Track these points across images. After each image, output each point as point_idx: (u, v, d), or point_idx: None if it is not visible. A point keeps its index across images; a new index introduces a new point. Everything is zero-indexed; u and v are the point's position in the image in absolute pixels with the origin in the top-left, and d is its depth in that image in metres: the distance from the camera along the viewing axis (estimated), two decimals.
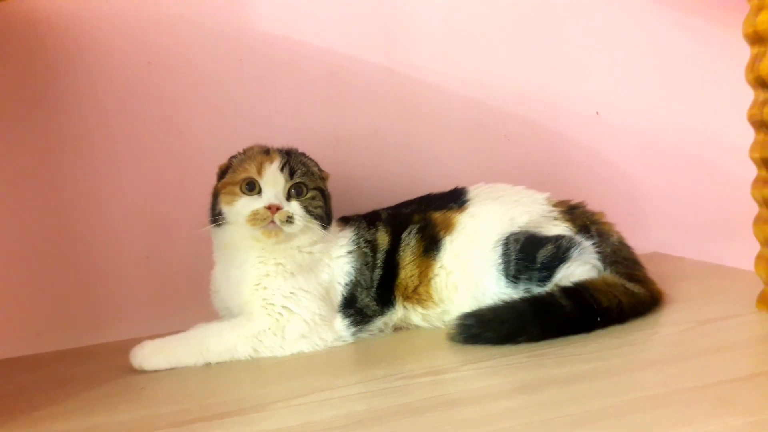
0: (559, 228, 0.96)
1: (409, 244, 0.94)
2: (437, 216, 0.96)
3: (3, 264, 1.02)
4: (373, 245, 0.94)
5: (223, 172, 0.92)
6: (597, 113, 1.29)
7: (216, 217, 0.90)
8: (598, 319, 0.84)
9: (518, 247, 0.91)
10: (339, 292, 0.91)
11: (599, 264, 0.93)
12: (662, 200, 1.33)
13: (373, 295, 0.92)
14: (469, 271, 0.92)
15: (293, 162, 0.90)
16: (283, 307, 0.87)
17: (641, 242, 1.13)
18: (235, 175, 0.89)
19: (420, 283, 0.93)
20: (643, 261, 0.99)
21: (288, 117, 1.13)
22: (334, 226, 0.94)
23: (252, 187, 0.87)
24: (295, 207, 0.87)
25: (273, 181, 0.87)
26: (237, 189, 0.87)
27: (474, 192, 1.00)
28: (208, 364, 0.85)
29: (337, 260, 0.92)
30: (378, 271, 0.93)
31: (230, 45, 1.09)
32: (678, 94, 1.32)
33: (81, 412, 0.74)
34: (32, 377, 0.90)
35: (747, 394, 0.63)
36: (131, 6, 1.04)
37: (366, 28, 1.15)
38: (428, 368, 0.78)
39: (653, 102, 1.31)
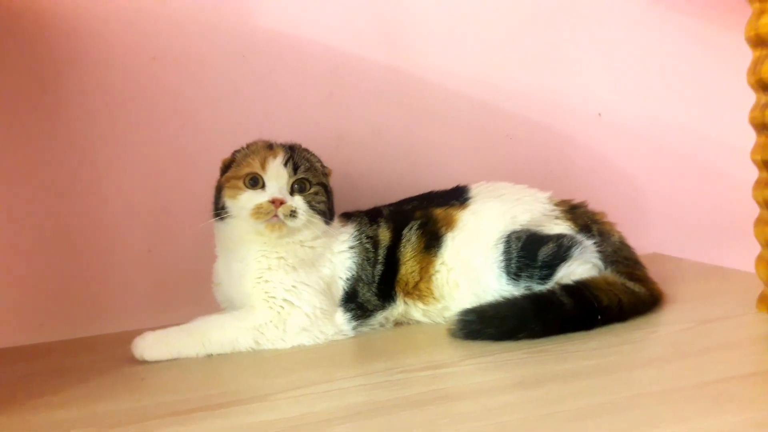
0: (561, 227, 0.96)
1: (410, 240, 0.94)
2: (439, 213, 0.97)
3: (6, 255, 1.02)
4: (374, 241, 0.95)
5: (227, 167, 0.92)
6: (599, 115, 1.29)
7: (219, 211, 0.90)
8: (599, 317, 0.85)
9: (520, 245, 0.91)
10: (340, 287, 0.92)
11: (600, 263, 0.94)
12: (663, 201, 1.34)
13: (374, 290, 0.93)
14: (470, 268, 0.92)
15: (297, 157, 0.90)
16: (285, 300, 0.87)
17: (642, 243, 1.13)
18: (238, 170, 0.89)
19: (421, 279, 0.93)
20: (644, 262, 0.99)
21: (291, 113, 1.13)
22: (336, 222, 0.95)
23: (256, 182, 0.88)
24: (298, 202, 0.88)
25: (277, 176, 0.88)
26: (241, 183, 0.88)
27: (476, 190, 1.00)
28: (209, 356, 0.86)
29: (338, 255, 0.93)
30: (379, 267, 0.94)
31: (234, 41, 1.09)
32: (680, 97, 1.33)
33: (81, 400, 0.74)
34: (33, 366, 0.90)
35: (745, 392, 0.64)
36: (135, 1, 1.05)
37: (369, 27, 1.16)
38: (428, 363, 0.78)
39: (655, 104, 1.32)
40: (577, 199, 1.03)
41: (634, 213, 1.32)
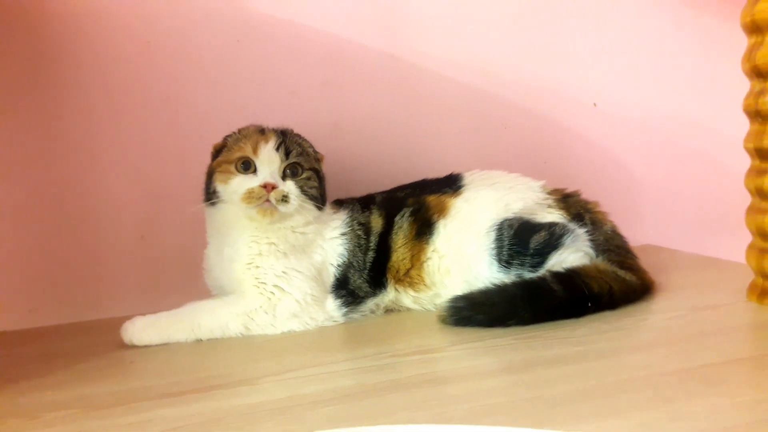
0: (553, 215, 0.96)
1: (402, 227, 0.94)
2: (432, 200, 0.96)
3: None
4: (366, 228, 0.94)
5: (218, 152, 0.92)
6: (594, 104, 1.29)
7: (210, 196, 0.90)
8: (589, 305, 0.85)
9: (512, 232, 0.91)
10: (331, 274, 0.92)
11: (591, 251, 0.94)
12: (657, 192, 1.34)
13: (365, 277, 0.93)
14: (461, 255, 0.92)
15: (289, 142, 0.90)
16: (275, 286, 0.87)
17: (635, 234, 1.13)
18: (230, 154, 0.89)
19: (412, 266, 0.93)
20: (637, 252, 0.99)
21: (286, 99, 1.13)
22: (328, 208, 0.94)
23: (247, 166, 0.87)
24: (290, 187, 0.88)
25: (269, 160, 0.87)
26: (232, 167, 0.88)
27: (469, 178, 1.00)
28: (199, 341, 0.86)
29: (330, 242, 0.92)
30: (371, 254, 0.93)
31: (229, 26, 1.09)
32: (676, 86, 1.33)
33: (70, 383, 0.74)
34: (23, 350, 0.90)
35: (731, 376, 0.64)
36: None
37: (366, 13, 1.15)
38: (417, 348, 0.78)
39: (650, 94, 1.32)
40: (571, 188, 1.03)
41: (628, 203, 1.32)
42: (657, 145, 1.33)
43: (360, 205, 0.97)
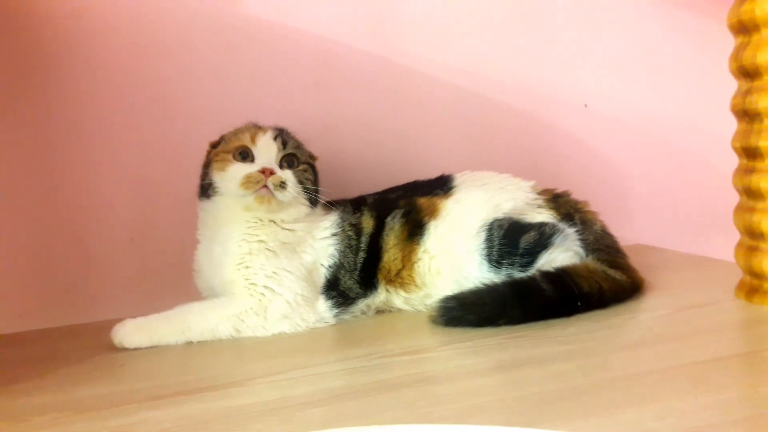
0: (543, 215, 0.97)
1: (393, 228, 0.94)
2: (422, 201, 0.97)
3: None
4: (357, 229, 0.95)
5: (214, 147, 0.92)
6: (585, 105, 1.30)
7: (206, 189, 0.90)
8: (579, 304, 0.85)
9: (502, 233, 0.91)
10: (322, 274, 0.92)
11: (581, 251, 0.94)
12: (647, 191, 1.34)
13: (356, 278, 0.93)
14: (452, 256, 0.92)
15: (285, 136, 0.91)
16: (265, 287, 0.87)
17: (625, 233, 1.14)
18: (228, 145, 0.89)
19: (403, 266, 0.93)
20: (627, 252, 0.99)
21: (278, 102, 1.13)
22: (318, 209, 0.94)
23: (245, 156, 0.88)
24: (288, 175, 0.88)
25: (267, 149, 0.88)
26: (230, 156, 0.88)
27: (460, 179, 1.00)
28: (189, 343, 0.85)
29: (320, 242, 0.92)
30: (361, 255, 0.93)
31: (221, 28, 1.09)
32: (665, 87, 1.33)
33: (59, 387, 0.74)
34: (13, 354, 0.90)
35: (719, 374, 0.64)
36: None
37: (357, 15, 1.15)
38: (407, 348, 0.78)
39: (641, 94, 1.32)
40: (562, 188, 1.03)
41: (618, 203, 1.32)
42: (647, 145, 1.34)
43: (351, 206, 0.97)
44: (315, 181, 0.93)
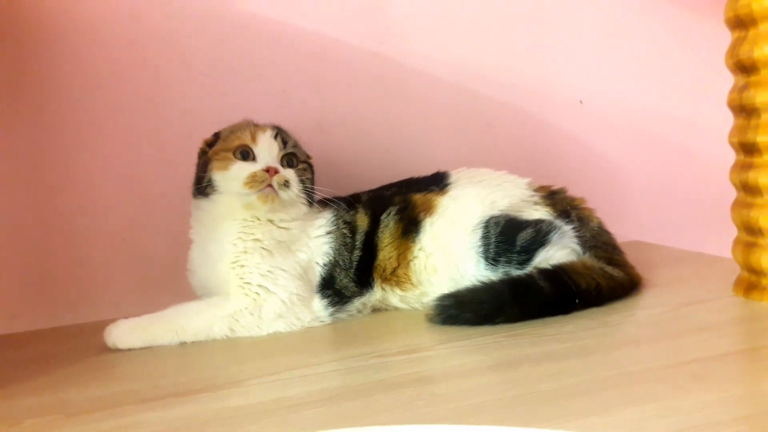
0: (540, 212, 0.96)
1: (388, 225, 0.94)
2: (418, 198, 0.96)
3: None
4: (352, 226, 0.94)
5: (210, 145, 0.91)
6: (581, 101, 1.29)
7: (203, 188, 0.88)
8: (577, 301, 0.84)
9: (498, 230, 0.90)
10: (317, 273, 0.91)
11: (578, 248, 0.94)
12: (644, 188, 1.34)
13: (351, 276, 0.92)
14: (448, 254, 0.91)
15: (284, 134, 0.91)
16: (260, 286, 0.86)
17: (623, 230, 1.13)
18: (227, 143, 0.88)
19: (399, 264, 0.93)
20: (624, 248, 0.99)
21: (271, 99, 1.12)
22: (314, 207, 0.93)
23: (246, 155, 0.87)
24: (290, 174, 0.88)
25: (268, 148, 0.87)
26: (231, 155, 0.87)
27: (456, 176, 1.00)
28: (183, 344, 0.85)
29: (315, 240, 0.92)
30: (357, 253, 0.93)
31: (214, 24, 1.07)
32: (662, 82, 1.33)
33: (52, 388, 0.73)
34: (4, 355, 0.88)
35: (719, 371, 0.64)
36: None
37: (351, 11, 1.14)
38: (404, 347, 0.77)
39: (637, 91, 1.32)
40: (558, 185, 1.02)
41: (615, 200, 1.32)
42: (643, 141, 1.33)
43: (346, 204, 0.96)
44: (312, 180, 0.93)
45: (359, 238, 0.93)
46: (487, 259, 0.90)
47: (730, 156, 0.89)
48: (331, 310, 0.90)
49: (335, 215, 0.94)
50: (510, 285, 0.85)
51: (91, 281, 1.05)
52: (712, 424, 0.52)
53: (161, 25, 1.05)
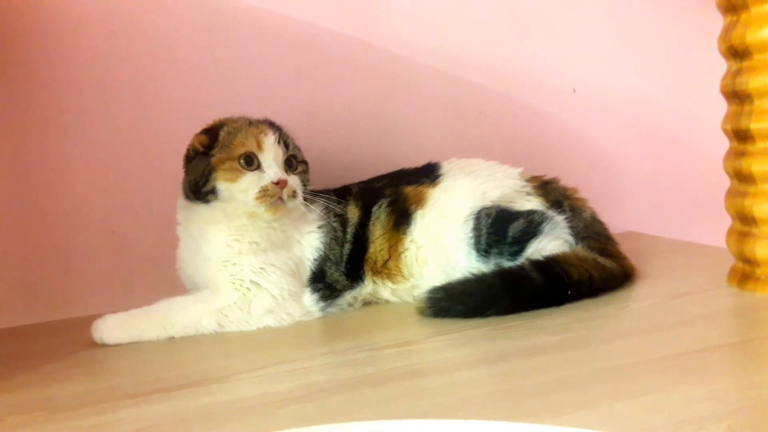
0: (532, 203, 0.95)
1: (379, 218, 0.92)
2: (409, 190, 0.95)
3: None
4: (342, 220, 0.93)
5: (206, 147, 0.86)
6: (574, 90, 1.28)
7: (204, 195, 0.85)
8: (569, 293, 0.84)
9: (489, 221, 0.89)
10: (308, 267, 0.90)
11: (571, 239, 0.93)
12: (638, 177, 1.33)
13: (342, 270, 0.91)
14: (439, 246, 0.90)
15: (284, 135, 0.88)
16: (251, 281, 0.85)
17: (616, 220, 1.12)
18: (231, 150, 0.84)
19: (390, 257, 0.92)
20: (618, 239, 0.98)
21: (258, 88, 1.10)
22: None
23: (250, 162, 0.84)
24: (295, 181, 0.86)
25: (274, 155, 0.85)
26: (237, 165, 0.83)
27: (447, 167, 0.98)
28: (171, 339, 0.84)
29: (307, 235, 0.90)
30: (348, 246, 0.92)
31: (199, 13, 1.06)
32: (654, 71, 1.32)
33: (36, 385, 0.72)
34: None
35: (711, 364, 0.63)
36: None
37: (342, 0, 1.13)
38: (394, 340, 0.76)
39: (630, 79, 1.31)
40: (552, 175, 1.01)
41: (608, 189, 1.31)
42: (636, 130, 1.32)
43: (336, 196, 0.95)
44: (307, 179, 0.91)
45: (350, 231, 0.92)
46: (478, 250, 0.89)
47: (724, 145, 0.88)
48: (321, 304, 0.89)
49: (326, 209, 0.92)
50: (501, 277, 0.84)
51: (78, 276, 1.04)
52: (704, 418, 0.51)
53: (145, 15, 1.04)
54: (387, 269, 0.92)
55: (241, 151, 0.84)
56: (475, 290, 0.83)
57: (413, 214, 0.92)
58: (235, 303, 0.85)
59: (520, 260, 0.87)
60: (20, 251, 1.02)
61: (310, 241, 0.90)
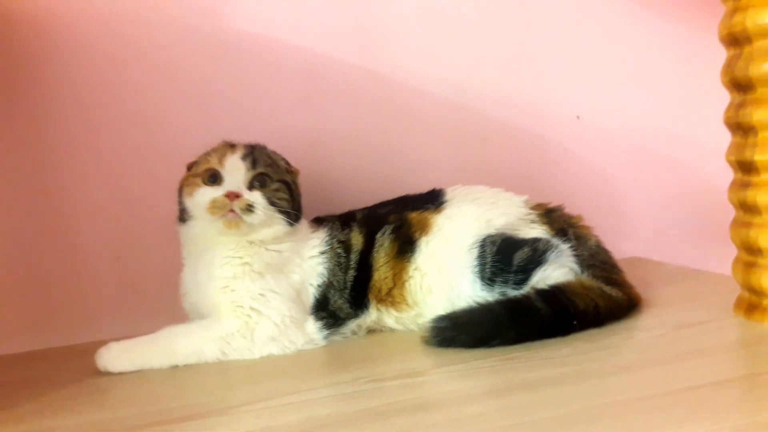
0: (536, 231, 0.95)
1: (383, 245, 0.92)
2: (413, 217, 0.95)
3: None
4: (346, 246, 0.92)
5: (189, 169, 0.91)
6: (578, 117, 1.28)
7: (181, 213, 0.89)
8: (575, 323, 0.83)
9: (494, 249, 0.89)
10: (311, 294, 0.90)
11: (576, 267, 0.92)
12: (644, 204, 1.33)
13: (346, 297, 0.90)
14: (444, 273, 0.90)
15: (257, 154, 0.88)
16: (252, 308, 0.85)
17: (622, 247, 1.12)
18: (198, 168, 0.88)
19: (394, 285, 0.91)
20: (623, 266, 0.97)
21: (265, 115, 1.11)
22: (306, 226, 0.92)
23: (215, 179, 0.86)
24: (256, 196, 0.85)
25: (234, 170, 0.85)
26: (199, 180, 0.86)
27: (451, 194, 0.98)
28: (174, 367, 0.83)
29: (309, 261, 0.90)
30: (351, 273, 0.91)
31: (207, 42, 1.07)
32: (659, 99, 1.32)
33: (37, 414, 0.71)
34: None
35: (720, 398, 0.62)
36: (107, 2, 1.02)
37: (345, 27, 1.14)
38: (398, 371, 0.76)
39: (635, 106, 1.31)
40: (556, 202, 1.01)
41: (613, 216, 1.30)
42: (641, 157, 1.32)
43: (340, 222, 0.95)
44: (293, 198, 0.89)
45: (354, 257, 0.92)
46: (483, 279, 0.88)
47: (729, 172, 0.88)
48: (325, 332, 0.88)
49: (329, 234, 0.92)
50: (507, 306, 0.83)
51: (82, 302, 1.04)
52: None
53: (155, 44, 1.05)
54: (391, 297, 0.91)
55: (205, 167, 0.86)
56: (481, 320, 0.83)
57: (417, 241, 0.92)
58: (238, 331, 0.84)
59: (525, 289, 0.87)
60: (24, 278, 1.02)
61: (312, 267, 0.90)
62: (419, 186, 1.02)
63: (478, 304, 0.86)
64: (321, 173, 1.12)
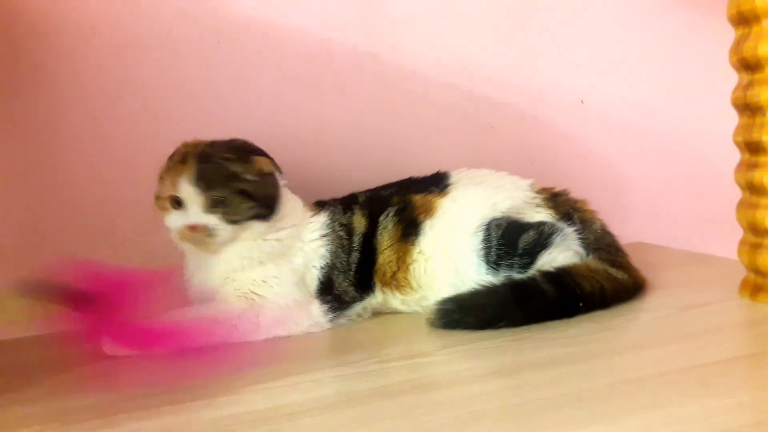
0: (542, 215, 0.94)
1: (387, 227, 0.92)
2: (417, 199, 0.94)
3: None
4: (348, 228, 0.92)
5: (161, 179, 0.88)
6: (582, 102, 1.28)
7: None
8: (581, 305, 0.83)
9: (500, 232, 0.89)
10: (315, 276, 0.89)
11: (581, 250, 0.92)
12: (648, 188, 1.32)
13: (351, 280, 0.90)
14: (448, 257, 0.90)
15: (207, 172, 0.83)
16: (255, 293, 0.85)
17: (626, 231, 1.11)
18: (161, 188, 0.86)
19: (398, 268, 0.91)
20: (628, 250, 0.97)
21: (267, 102, 1.10)
22: (303, 210, 0.92)
23: (179, 203, 0.84)
24: (213, 220, 0.83)
25: (190, 197, 0.83)
26: (167, 204, 0.85)
27: (456, 176, 0.98)
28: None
29: (310, 244, 0.90)
30: (355, 255, 0.91)
31: (207, 27, 1.06)
32: (664, 83, 1.31)
33: (47, 396, 0.72)
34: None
35: (725, 376, 0.62)
36: None
37: (348, 13, 1.13)
38: (405, 353, 0.76)
39: (639, 90, 1.30)
40: (560, 187, 1.01)
41: (618, 201, 1.30)
42: (646, 141, 1.32)
43: (342, 205, 0.95)
44: (260, 197, 0.85)
45: (357, 239, 0.92)
46: (488, 262, 0.88)
47: (735, 155, 0.88)
48: (330, 315, 0.88)
49: (330, 218, 0.92)
50: (513, 288, 0.83)
51: None
52: None
53: (154, 29, 1.04)
54: (396, 280, 0.91)
55: (167, 193, 0.84)
56: (487, 302, 0.83)
57: (422, 224, 0.92)
58: (243, 314, 0.85)
59: (531, 272, 0.87)
60: (32, 262, 1.01)
61: (314, 249, 0.90)
62: (424, 171, 1.01)
63: (483, 286, 0.86)
64: (326, 159, 1.12)
